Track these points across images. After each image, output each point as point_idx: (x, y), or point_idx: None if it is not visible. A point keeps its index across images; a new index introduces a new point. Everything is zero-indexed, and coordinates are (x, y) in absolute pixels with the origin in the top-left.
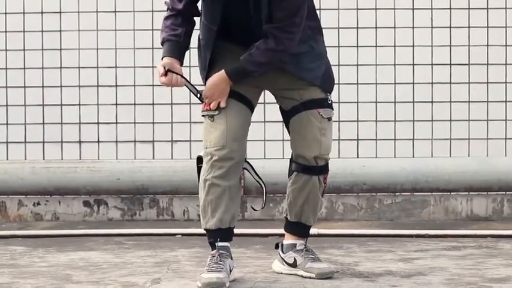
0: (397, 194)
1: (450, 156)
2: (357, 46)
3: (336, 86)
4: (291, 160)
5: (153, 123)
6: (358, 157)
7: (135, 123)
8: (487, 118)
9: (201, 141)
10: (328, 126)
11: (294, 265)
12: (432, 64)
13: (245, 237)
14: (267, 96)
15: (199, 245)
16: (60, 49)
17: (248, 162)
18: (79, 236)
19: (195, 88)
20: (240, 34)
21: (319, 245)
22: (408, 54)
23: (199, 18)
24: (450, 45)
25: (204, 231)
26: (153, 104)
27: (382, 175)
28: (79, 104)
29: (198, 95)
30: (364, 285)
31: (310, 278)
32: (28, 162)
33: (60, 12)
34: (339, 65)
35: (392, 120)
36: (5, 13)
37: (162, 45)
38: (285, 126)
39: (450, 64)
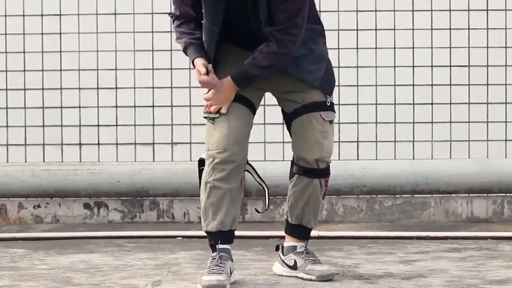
0: (397, 195)
1: (450, 158)
2: (357, 48)
3: (335, 88)
4: (292, 162)
5: (153, 125)
6: (358, 159)
7: (135, 125)
8: (487, 120)
9: (201, 143)
10: (329, 129)
11: (294, 267)
12: (432, 66)
13: (245, 239)
14: (268, 98)
15: (200, 247)
16: (60, 51)
17: (250, 165)
18: (79, 239)
19: None
20: (241, 36)
21: (319, 247)
22: (408, 56)
23: None
24: (450, 47)
25: (205, 234)
26: (153, 106)
27: (382, 177)
28: (79, 106)
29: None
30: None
31: (310, 280)
32: (28, 165)
33: (60, 15)
34: (338, 67)
35: (393, 122)
36: (5, 15)
37: (184, 50)
38: (286, 129)
39: (450, 66)
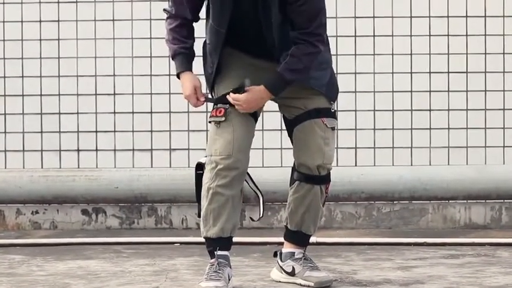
0: (395, 202)
1: (448, 164)
2: (355, 54)
3: None
4: (293, 169)
5: (152, 131)
6: (356, 165)
7: (133, 131)
8: (485, 126)
9: (200, 149)
10: (331, 135)
11: (292, 274)
12: (430, 72)
13: (244, 245)
14: (266, 104)
15: (198, 254)
16: (59, 57)
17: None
18: (77, 245)
19: (214, 99)
20: (248, 40)
21: (317, 253)
22: (406, 62)
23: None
24: (448, 53)
25: (203, 240)
26: (151, 112)
27: (380, 183)
28: (77, 113)
29: (215, 102)
30: None
31: (308, 286)
32: (26, 171)
33: (58, 21)
34: (337, 73)
35: (391, 129)
36: (3, 21)
37: (173, 58)
38: (286, 135)
39: (448, 72)
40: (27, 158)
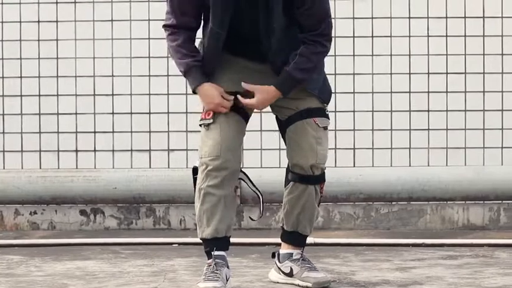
0: (393, 203)
1: (446, 165)
2: (353, 55)
3: (332, 95)
4: (287, 170)
5: (150, 132)
6: (354, 166)
7: (131, 132)
8: (484, 127)
9: (197, 150)
10: (323, 135)
11: (290, 274)
12: (428, 73)
13: (242, 246)
14: None
15: (196, 254)
16: (57, 58)
17: (244, 172)
18: (75, 245)
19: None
20: (243, 43)
21: (315, 254)
22: (404, 63)
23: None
24: (446, 54)
25: (201, 241)
26: (149, 113)
27: (378, 184)
28: (75, 113)
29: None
30: None
31: (306, 287)
32: (25, 171)
33: (56, 21)
34: (335, 74)
35: (389, 129)
36: (2, 22)
37: (186, 72)
38: (281, 137)
39: (446, 73)
40: (25, 159)
